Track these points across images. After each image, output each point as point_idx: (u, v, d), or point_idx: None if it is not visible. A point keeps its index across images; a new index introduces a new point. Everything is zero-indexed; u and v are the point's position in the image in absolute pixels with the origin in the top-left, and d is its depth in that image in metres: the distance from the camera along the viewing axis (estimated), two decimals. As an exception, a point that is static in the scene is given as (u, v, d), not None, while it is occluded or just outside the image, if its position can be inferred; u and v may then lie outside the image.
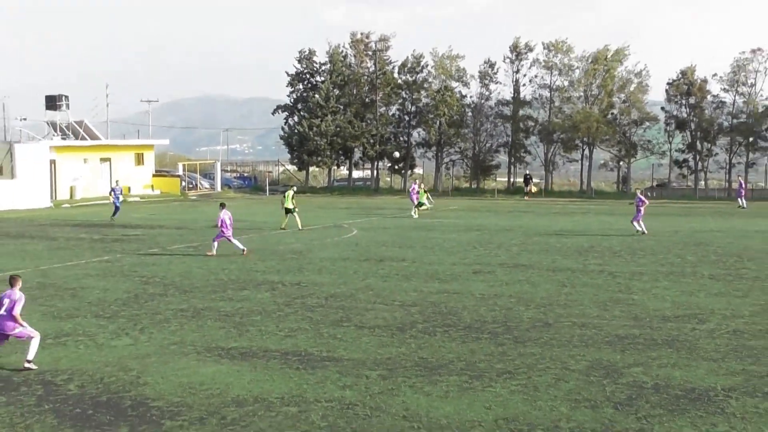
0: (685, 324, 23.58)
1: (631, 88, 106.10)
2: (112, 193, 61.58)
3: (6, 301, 18.17)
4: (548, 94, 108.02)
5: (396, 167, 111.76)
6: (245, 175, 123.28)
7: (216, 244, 38.64)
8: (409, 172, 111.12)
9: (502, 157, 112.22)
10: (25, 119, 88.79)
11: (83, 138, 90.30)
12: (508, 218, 64.42)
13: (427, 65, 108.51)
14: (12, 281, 18.76)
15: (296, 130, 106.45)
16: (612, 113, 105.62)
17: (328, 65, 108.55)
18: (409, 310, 25.57)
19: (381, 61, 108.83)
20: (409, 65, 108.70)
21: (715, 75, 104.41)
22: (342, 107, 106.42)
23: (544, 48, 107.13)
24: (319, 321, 23.96)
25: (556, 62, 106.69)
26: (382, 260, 37.47)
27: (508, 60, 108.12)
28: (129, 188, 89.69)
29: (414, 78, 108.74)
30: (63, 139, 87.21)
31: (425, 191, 68.65)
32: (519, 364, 19.01)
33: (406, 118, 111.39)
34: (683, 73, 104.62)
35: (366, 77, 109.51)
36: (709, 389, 17.02)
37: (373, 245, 43.74)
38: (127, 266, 35.56)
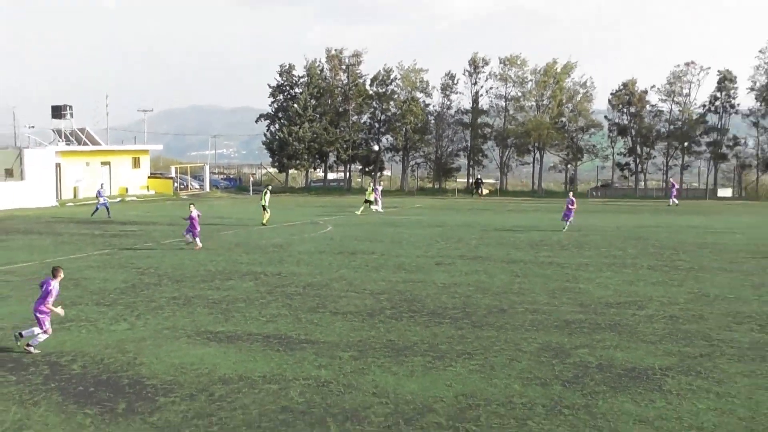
0: (626, 310, 23.70)
1: (578, 98, 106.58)
2: (99, 195, 61.54)
3: (45, 287, 18.41)
4: (503, 104, 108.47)
5: (366, 169, 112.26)
6: (231, 176, 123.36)
7: (194, 237, 38.68)
8: (378, 174, 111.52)
9: (462, 160, 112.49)
10: (33, 127, 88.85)
11: (85, 143, 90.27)
12: (467, 215, 64.46)
13: (395, 78, 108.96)
14: (54, 272, 18.90)
15: (277, 137, 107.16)
16: (561, 121, 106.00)
17: (306, 78, 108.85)
18: (378, 298, 25.61)
19: (353, 74, 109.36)
20: (379, 78, 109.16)
21: (653, 86, 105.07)
22: (318, 116, 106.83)
23: (500, 62, 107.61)
24: (298, 307, 23.97)
25: (510, 75, 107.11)
26: (354, 253, 37.47)
27: (467, 73, 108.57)
28: (126, 189, 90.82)
29: (383, 90, 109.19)
30: (67, 144, 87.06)
31: (372, 191, 68.16)
32: (477, 346, 19.08)
33: (376, 125, 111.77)
34: (625, 84, 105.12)
35: (340, 89, 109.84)
36: (648, 369, 17.13)
37: (346, 240, 43.72)
38: (125, 259, 35.46)
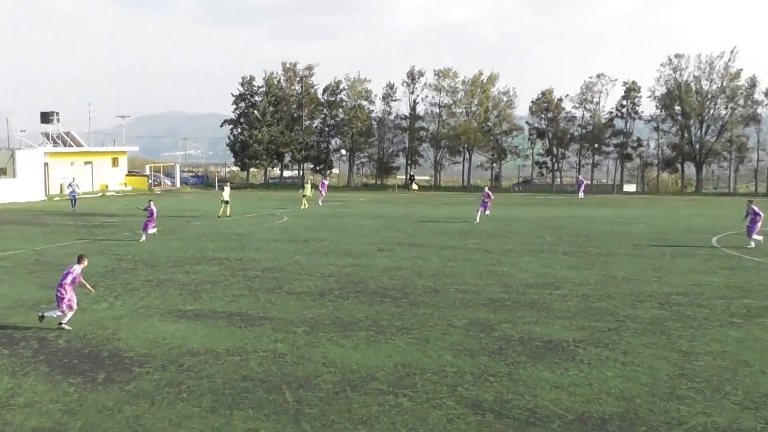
0: (544, 290, 23.86)
1: (502, 105, 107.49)
2: (70, 189, 61.26)
3: (66, 270, 18.51)
4: (437, 110, 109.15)
5: (317, 168, 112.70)
6: (199, 174, 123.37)
7: (143, 230, 37.88)
8: (327, 171, 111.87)
9: (401, 160, 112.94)
10: (24, 131, 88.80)
11: (70, 145, 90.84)
12: (405, 208, 64.56)
13: (343, 88, 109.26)
14: (79, 259, 18.90)
15: (239, 139, 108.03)
16: (487, 125, 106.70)
17: (264, 88, 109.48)
18: (328, 280, 25.59)
19: (306, 84, 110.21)
20: (330, 89, 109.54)
21: (567, 95, 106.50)
22: (275, 121, 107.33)
23: (434, 74, 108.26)
24: (257, 289, 23.91)
25: (443, 85, 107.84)
26: (307, 241, 37.40)
27: (405, 83, 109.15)
28: (107, 185, 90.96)
29: (333, 98, 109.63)
30: (54, 146, 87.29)
31: (312, 187, 67.92)
32: (414, 322, 19.14)
33: (327, 129, 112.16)
34: (543, 93, 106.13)
35: (294, 97, 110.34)
36: (563, 341, 17.28)
37: (300, 229, 43.61)
38: (105, 246, 35.14)
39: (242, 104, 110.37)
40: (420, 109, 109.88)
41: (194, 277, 26.07)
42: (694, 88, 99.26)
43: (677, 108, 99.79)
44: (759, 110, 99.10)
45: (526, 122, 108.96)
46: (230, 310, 20.63)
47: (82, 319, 19.39)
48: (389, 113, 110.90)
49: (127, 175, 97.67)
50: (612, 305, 21.56)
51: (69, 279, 18.14)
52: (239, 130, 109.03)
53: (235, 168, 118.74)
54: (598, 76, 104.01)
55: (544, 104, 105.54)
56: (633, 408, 12.86)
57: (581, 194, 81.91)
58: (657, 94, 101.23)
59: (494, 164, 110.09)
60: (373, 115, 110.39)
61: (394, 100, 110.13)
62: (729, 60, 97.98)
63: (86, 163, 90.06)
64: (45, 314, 18.45)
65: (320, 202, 66.94)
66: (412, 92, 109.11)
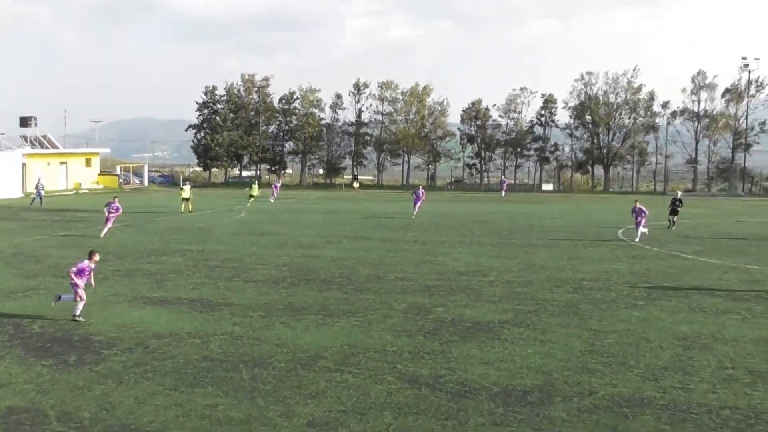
0: (473, 277, 23.90)
1: (437, 114, 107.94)
2: (36, 188, 60.30)
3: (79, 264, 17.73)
4: (380, 118, 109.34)
5: (272, 168, 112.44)
6: (165, 174, 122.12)
7: (104, 225, 35.87)
8: (282, 171, 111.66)
9: (348, 162, 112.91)
10: (3, 134, 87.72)
11: (47, 147, 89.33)
12: (351, 204, 64.46)
13: (297, 98, 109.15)
14: (90, 254, 18.02)
15: (202, 143, 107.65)
16: (423, 131, 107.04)
17: (225, 97, 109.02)
18: (281, 269, 25.38)
19: (263, 94, 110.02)
20: (285, 98, 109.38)
21: (494, 105, 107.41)
22: (235, 126, 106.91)
23: (377, 86, 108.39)
24: (217, 277, 23.62)
25: (386, 95, 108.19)
26: (263, 234, 37.09)
27: (352, 93, 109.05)
28: (80, 184, 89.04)
29: (287, 106, 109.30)
30: (32, 148, 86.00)
31: (258, 187, 66.91)
32: (358, 306, 19.02)
33: (281, 134, 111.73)
34: (473, 103, 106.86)
35: (252, 105, 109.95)
36: (490, 322, 17.27)
37: (256, 224, 43.27)
38: (78, 239, 34.50)
39: (205, 111, 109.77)
40: (365, 117, 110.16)
41: (160, 267, 25.68)
42: (602, 101, 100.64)
43: (588, 117, 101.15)
44: (657, 120, 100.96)
45: (458, 128, 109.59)
46: (192, 297, 20.33)
47: (55, 306, 18.99)
48: (337, 120, 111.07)
49: (99, 175, 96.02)
50: (532, 290, 21.63)
51: (75, 269, 17.51)
52: (202, 134, 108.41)
53: (198, 168, 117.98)
54: (521, 89, 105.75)
55: (474, 113, 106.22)
56: (550, 380, 12.86)
57: (503, 192, 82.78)
58: (571, 105, 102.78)
59: (430, 165, 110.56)
60: (323, 121, 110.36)
61: (342, 109, 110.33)
62: (631, 76, 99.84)
63: (61, 163, 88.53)
64: (62, 297, 17.87)
65: (272, 200, 66.51)
66: (358, 101, 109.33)
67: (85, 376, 13.10)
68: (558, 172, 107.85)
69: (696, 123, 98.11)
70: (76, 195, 77.84)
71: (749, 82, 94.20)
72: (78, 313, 17.26)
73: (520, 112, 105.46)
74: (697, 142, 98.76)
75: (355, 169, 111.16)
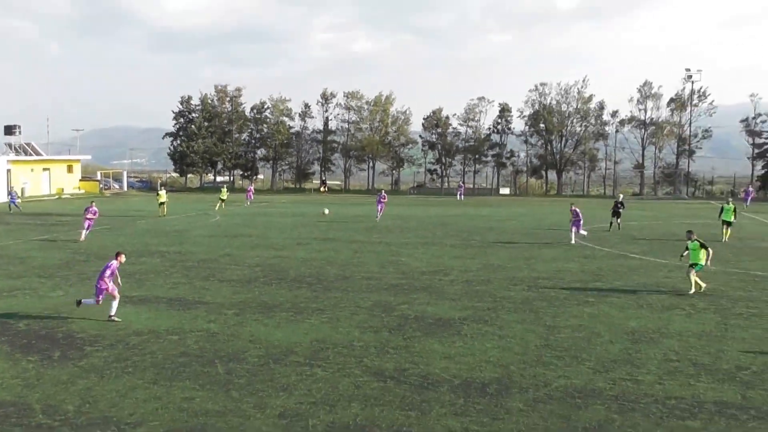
0: (435, 276, 24.02)
1: (400, 122, 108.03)
2: (10, 195, 59.55)
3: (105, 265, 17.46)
4: (347, 126, 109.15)
5: (245, 174, 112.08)
6: (144, 179, 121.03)
7: (84, 230, 35.28)
8: (254, 177, 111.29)
9: (316, 167, 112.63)
10: None
11: (30, 154, 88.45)
12: (320, 208, 64.36)
13: (268, 107, 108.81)
14: (117, 254, 17.81)
15: (179, 150, 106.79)
16: (388, 139, 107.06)
17: (200, 106, 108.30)
18: (254, 269, 25.35)
19: (236, 103, 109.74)
20: (256, 108, 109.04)
21: (454, 114, 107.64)
22: (209, 134, 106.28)
23: (344, 95, 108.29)
24: (193, 277, 23.55)
25: (352, 105, 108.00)
26: (236, 236, 36.97)
27: (320, 103, 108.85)
28: (62, 189, 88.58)
29: (259, 115, 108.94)
30: (16, 155, 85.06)
31: (228, 191, 65.95)
32: (327, 304, 19.06)
33: (253, 141, 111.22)
34: (434, 112, 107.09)
35: (225, 114, 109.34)
36: (451, 319, 17.39)
37: (230, 226, 43.10)
38: (61, 242, 34.21)
39: (181, 120, 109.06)
40: (332, 125, 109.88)
41: (139, 268, 25.53)
42: (555, 110, 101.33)
43: (542, 125, 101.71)
44: (606, 128, 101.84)
45: (420, 136, 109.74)
46: (170, 296, 20.27)
47: (40, 305, 18.86)
48: (306, 128, 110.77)
49: (80, 181, 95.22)
50: (491, 288, 21.79)
51: (108, 272, 17.19)
52: (179, 141, 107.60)
53: (174, 174, 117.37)
54: (479, 98, 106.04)
55: (435, 121, 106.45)
56: (508, 373, 13.00)
57: (461, 197, 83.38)
58: (526, 114, 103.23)
59: (394, 171, 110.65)
60: (293, 129, 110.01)
61: (311, 117, 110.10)
62: (581, 87, 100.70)
63: (44, 169, 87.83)
64: (83, 301, 17.66)
65: (248, 204, 66.20)
66: (326, 110, 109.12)
67: (69, 371, 13.05)
68: (514, 177, 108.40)
69: (643, 130, 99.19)
70: (59, 200, 76.98)
71: (692, 92, 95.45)
72: (113, 313, 17.05)
73: (478, 121, 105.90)
74: (643, 149, 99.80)
75: (323, 174, 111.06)
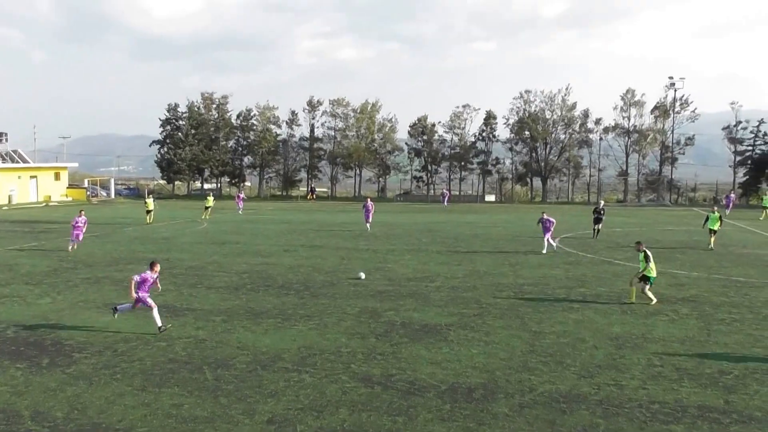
0: (421, 283, 24.07)
1: (386, 129, 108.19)
2: None
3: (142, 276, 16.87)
4: (333, 133, 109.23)
5: (232, 181, 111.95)
6: (131, 187, 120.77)
7: (74, 240, 33.58)
8: (241, 184, 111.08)
9: (303, 175, 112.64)
10: None
11: (17, 162, 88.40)
12: (306, 215, 64.33)
13: (254, 114, 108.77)
14: (151, 265, 17.19)
15: (166, 157, 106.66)
16: (374, 146, 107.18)
17: (187, 113, 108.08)
18: (241, 276, 25.33)
19: (222, 111, 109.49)
20: (242, 115, 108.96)
21: (439, 121, 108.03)
22: (196, 141, 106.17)
23: (330, 103, 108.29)
24: (181, 284, 23.51)
25: (338, 112, 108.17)
26: (224, 243, 36.92)
27: (306, 110, 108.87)
28: (50, 196, 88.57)
29: (245, 123, 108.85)
30: (3, 162, 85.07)
31: (213, 199, 65.28)
32: (314, 311, 19.08)
33: (240, 148, 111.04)
34: (419, 119, 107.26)
35: (212, 122, 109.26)
36: (437, 325, 17.44)
37: (218, 233, 43.04)
38: (49, 249, 34.05)
39: (168, 127, 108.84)
40: (318, 132, 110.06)
41: (127, 275, 25.35)
42: (539, 117, 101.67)
43: (527, 133, 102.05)
44: (591, 135, 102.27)
45: (406, 143, 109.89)
46: (158, 303, 20.06)
47: (28, 312, 18.79)
48: (293, 135, 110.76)
49: (67, 188, 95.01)
50: (476, 294, 21.86)
51: (145, 287, 16.74)
52: (165, 149, 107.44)
53: (162, 181, 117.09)
54: (464, 106, 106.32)
55: (420, 128, 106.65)
56: (494, 379, 13.06)
57: (445, 203, 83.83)
58: (511, 121, 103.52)
59: (380, 178, 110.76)
60: (280, 137, 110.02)
61: (297, 125, 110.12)
62: (565, 95, 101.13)
63: (32, 177, 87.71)
64: (118, 307, 17.49)
65: (240, 212, 65.87)
66: (312, 118, 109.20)
67: (58, 378, 13.02)
68: (499, 184, 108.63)
69: (626, 138, 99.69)
70: (46, 207, 76.61)
71: (674, 100, 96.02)
72: (160, 324, 16.62)
73: (463, 128, 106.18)
74: (627, 156, 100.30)
75: (310, 181, 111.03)
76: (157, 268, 17.39)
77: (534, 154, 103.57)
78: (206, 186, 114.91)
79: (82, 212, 35.26)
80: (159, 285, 17.77)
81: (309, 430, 10.59)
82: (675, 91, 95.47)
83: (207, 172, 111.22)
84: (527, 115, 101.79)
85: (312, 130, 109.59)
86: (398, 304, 20.24)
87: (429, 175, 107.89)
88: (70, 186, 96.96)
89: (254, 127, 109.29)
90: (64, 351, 14.90)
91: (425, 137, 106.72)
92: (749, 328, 17.49)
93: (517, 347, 15.38)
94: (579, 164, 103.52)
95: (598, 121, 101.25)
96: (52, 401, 11.74)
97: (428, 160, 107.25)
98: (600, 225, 40.65)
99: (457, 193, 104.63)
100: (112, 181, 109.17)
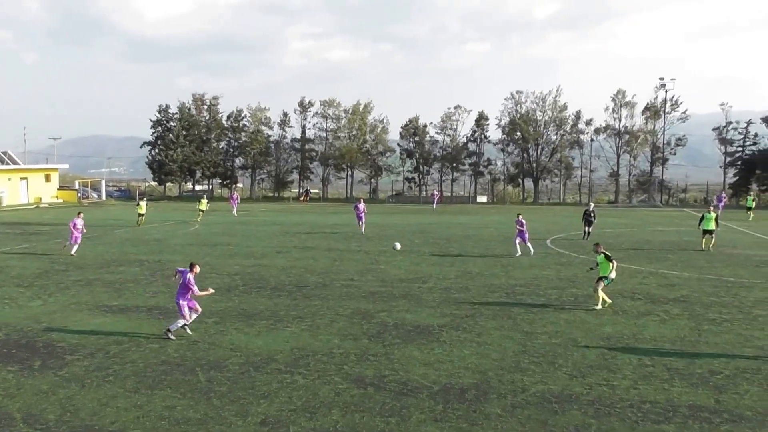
0: (414, 284, 24.09)
1: (378, 131, 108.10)
2: None
3: (183, 279, 16.54)
4: (325, 134, 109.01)
5: (224, 182, 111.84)
6: (122, 188, 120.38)
7: (72, 243, 32.98)
8: (234, 185, 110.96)
9: (295, 176, 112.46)
10: None
11: (8, 163, 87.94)
12: (298, 216, 64.27)
13: (246, 116, 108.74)
14: (191, 266, 16.87)
15: (157, 159, 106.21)
16: (366, 147, 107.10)
17: (178, 115, 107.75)
18: (234, 278, 25.33)
19: (213, 112, 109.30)
20: (233, 116, 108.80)
21: (431, 122, 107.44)
22: (188, 143, 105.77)
23: (321, 104, 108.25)
24: (173, 286, 23.30)
25: (329, 113, 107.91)
26: (216, 245, 36.87)
27: (297, 111, 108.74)
28: (40, 198, 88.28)
29: (237, 124, 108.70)
30: None
31: (207, 202, 64.56)
32: (307, 312, 19.09)
33: (231, 150, 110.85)
34: (411, 120, 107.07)
35: (203, 123, 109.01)
36: (429, 326, 17.46)
37: (210, 235, 42.98)
38: (40, 251, 33.98)
39: (159, 128, 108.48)
40: (310, 133, 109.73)
41: (118, 277, 25.44)
42: (531, 118, 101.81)
43: (518, 134, 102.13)
44: (582, 136, 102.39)
45: (398, 144, 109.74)
46: (150, 305, 20.21)
47: (19, 314, 18.75)
48: (284, 137, 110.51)
49: (58, 190, 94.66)
50: (469, 296, 21.89)
51: (194, 288, 16.40)
52: (157, 150, 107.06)
53: (153, 183, 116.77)
54: (456, 107, 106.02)
55: (412, 130, 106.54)
56: (486, 379, 13.09)
57: (434, 205, 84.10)
58: (502, 122, 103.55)
59: (372, 179, 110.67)
60: (272, 138, 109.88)
61: (289, 126, 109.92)
62: (556, 96, 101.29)
63: (22, 178, 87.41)
64: (171, 328, 16.36)
65: (234, 213, 65.65)
66: (304, 119, 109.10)
67: (50, 380, 13.00)
68: (491, 185, 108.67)
69: (617, 139, 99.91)
70: (37, 209, 76.37)
71: (665, 101, 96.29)
72: (173, 328, 16.29)
73: (455, 129, 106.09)
74: (618, 157, 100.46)
75: (303, 183, 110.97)
76: (197, 269, 16.97)
77: (525, 155, 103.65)
78: (198, 187, 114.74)
79: (80, 214, 34.66)
80: (206, 291, 17.25)
81: (302, 431, 10.60)
82: (666, 92, 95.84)
83: (198, 174, 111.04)
84: (518, 116, 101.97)
85: (303, 132, 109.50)
86: (390, 305, 20.26)
87: (421, 176, 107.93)
88: (61, 188, 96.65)
89: (246, 129, 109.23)
90: (56, 353, 14.87)
91: (417, 138, 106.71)
92: (739, 328, 17.57)
93: (509, 348, 15.41)
94: (570, 165, 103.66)
95: (589, 122, 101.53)
96: (44, 403, 11.72)
97: (420, 161, 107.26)
98: (591, 227, 40.79)
99: (449, 194, 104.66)
100: (103, 182, 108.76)
